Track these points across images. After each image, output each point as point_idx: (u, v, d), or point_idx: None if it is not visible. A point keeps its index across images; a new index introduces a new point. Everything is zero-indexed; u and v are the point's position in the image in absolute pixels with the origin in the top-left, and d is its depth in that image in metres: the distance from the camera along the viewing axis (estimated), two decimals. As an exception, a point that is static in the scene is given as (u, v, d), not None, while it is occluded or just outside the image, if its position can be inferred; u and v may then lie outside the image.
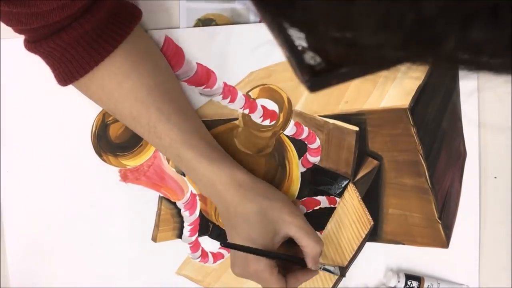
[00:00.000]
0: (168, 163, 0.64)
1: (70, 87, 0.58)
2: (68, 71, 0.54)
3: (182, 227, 0.64)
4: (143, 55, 0.58)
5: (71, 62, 0.53)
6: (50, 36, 0.51)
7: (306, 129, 0.63)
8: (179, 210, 0.64)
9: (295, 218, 0.55)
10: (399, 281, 0.62)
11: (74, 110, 0.63)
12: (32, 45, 0.53)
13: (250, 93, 0.63)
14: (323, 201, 0.63)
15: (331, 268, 0.60)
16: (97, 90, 0.56)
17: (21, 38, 0.54)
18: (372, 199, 0.63)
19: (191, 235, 0.64)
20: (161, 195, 0.64)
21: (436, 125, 0.63)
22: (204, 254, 0.64)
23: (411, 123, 0.61)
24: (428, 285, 0.62)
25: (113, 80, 0.55)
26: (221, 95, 0.63)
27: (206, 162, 0.55)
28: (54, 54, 0.53)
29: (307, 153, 0.63)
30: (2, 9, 0.47)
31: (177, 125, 0.55)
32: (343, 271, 0.61)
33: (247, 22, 0.65)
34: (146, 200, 0.64)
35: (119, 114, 0.57)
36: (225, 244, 0.55)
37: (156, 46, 0.61)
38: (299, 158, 0.63)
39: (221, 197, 0.55)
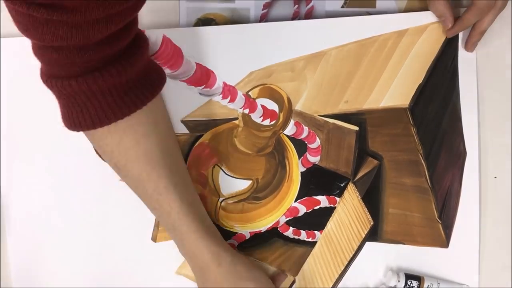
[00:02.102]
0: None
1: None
2: (89, 117, 0.50)
3: (182, 226, 0.64)
4: (163, 116, 0.58)
5: (95, 110, 0.49)
6: (82, 76, 0.46)
7: (306, 128, 0.63)
8: (179, 209, 0.64)
9: None
10: (399, 281, 0.62)
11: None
12: (55, 81, 0.48)
13: (250, 93, 0.63)
14: (323, 201, 0.63)
15: None
16: (111, 143, 0.53)
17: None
18: (372, 199, 0.63)
19: (191, 235, 0.64)
20: (161, 194, 0.64)
21: (436, 125, 0.63)
22: (204, 254, 0.64)
23: (411, 123, 0.61)
24: (428, 285, 0.62)
25: (132, 138, 0.53)
26: (221, 95, 0.63)
27: (195, 236, 0.55)
28: (78, 97, 0.48)
29: (307, 153, 0.63)
30: (40, 17, 0.41)
31: (180, 197, 0.55)
32: None
33: (247, 22, 0.65)
34: (146, 200, 0.64)
35: (126, 173, 0.55)
36: None
37: (168, 113, 0.61)
38: (299, 158, 0.63)
39: (201, 272, 0.57)
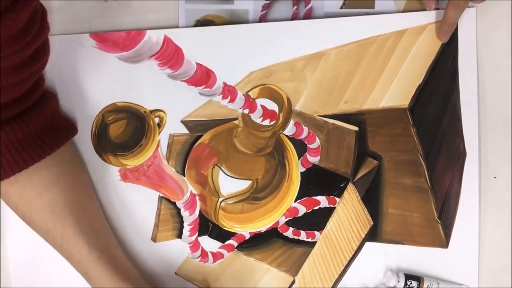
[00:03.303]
0: (168, 163, 0.64)
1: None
2: None
3: (181, 227, 0.64)
4: (67, 169, 0.58)
5: None
6: None
7: (305, 129, 0.63)
8: (178, 210, 0.64)
9: None
10: (398, 281, 0.62)
11: (73, 110, 0.63)
12: None
13: (249, 93, 0.63)
14: (322, 201, 0.63)
15: None
16: (14, 196, 0.55)
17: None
18: (371, 199, 0.63)
19: (190, 235, 0.64)
20: (161, 195, 0.64)
21: (436, 125, 0.63)
22: (204, 254, 0.64)
23: (411, 123, 0.61)
24: (428, 285, 0.62)
25: (33, 190, 0.55)
26: (221, 95, 0.63)
27: (109, 283, 0.56)
28: None
29: (306, 153, 0.63)
30: None
31: (88, 243, 0.56)
32: None
33: (246, 23, 0.65)
34: (146, 200, 0.64)
35: (34, 224, 0.57)
36: None
37: (81, 159, 0.62)
38: (299, 158, 0.63)
39: None
